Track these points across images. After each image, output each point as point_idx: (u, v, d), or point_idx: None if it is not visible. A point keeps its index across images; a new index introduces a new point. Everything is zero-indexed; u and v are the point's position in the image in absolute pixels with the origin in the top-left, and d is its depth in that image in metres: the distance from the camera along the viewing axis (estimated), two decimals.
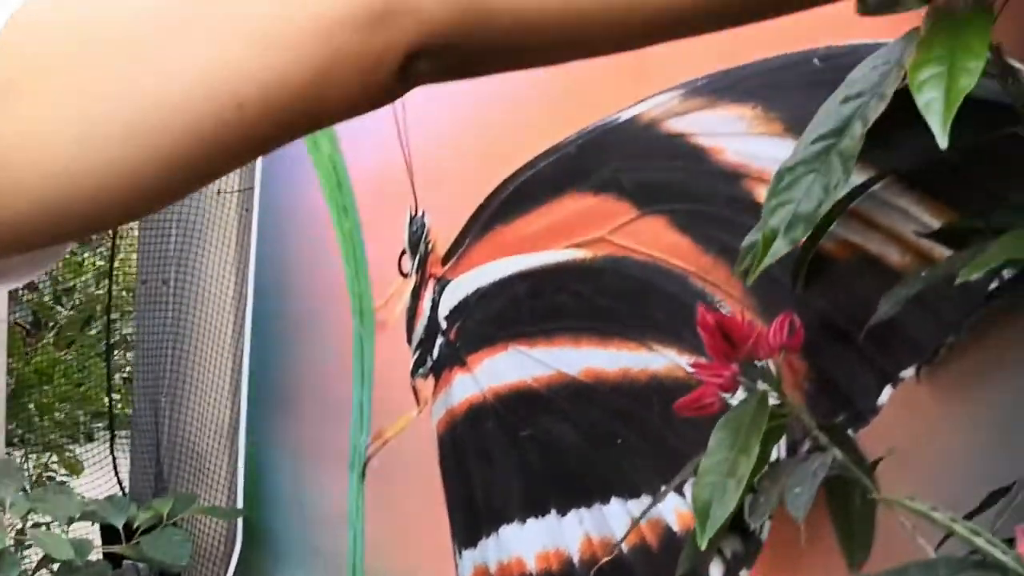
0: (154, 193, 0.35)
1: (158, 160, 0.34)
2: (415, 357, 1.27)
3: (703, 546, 0.56)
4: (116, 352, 2.98)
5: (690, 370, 0.75)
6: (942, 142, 0.42)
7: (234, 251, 1.93)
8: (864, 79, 0.54)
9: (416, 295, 1.25)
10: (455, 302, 1.17)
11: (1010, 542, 0.55)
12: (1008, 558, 0.41)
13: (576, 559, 1.01)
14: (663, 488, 0.78)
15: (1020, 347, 0.65)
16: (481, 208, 1.12)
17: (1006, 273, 0.64)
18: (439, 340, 1.21)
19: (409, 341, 1.28)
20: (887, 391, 0.73)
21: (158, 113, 0.33)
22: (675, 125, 0.88)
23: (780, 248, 0.54)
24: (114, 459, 2.35)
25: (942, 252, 0.68)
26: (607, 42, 0.42)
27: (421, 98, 1.22)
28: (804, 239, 0.57)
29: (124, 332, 3.03)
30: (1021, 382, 0.65)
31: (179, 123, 0.33)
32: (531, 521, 1.07)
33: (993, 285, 0.65)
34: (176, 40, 0.33)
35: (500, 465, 1.11)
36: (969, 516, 0.64)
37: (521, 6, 0.38)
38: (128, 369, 2.93)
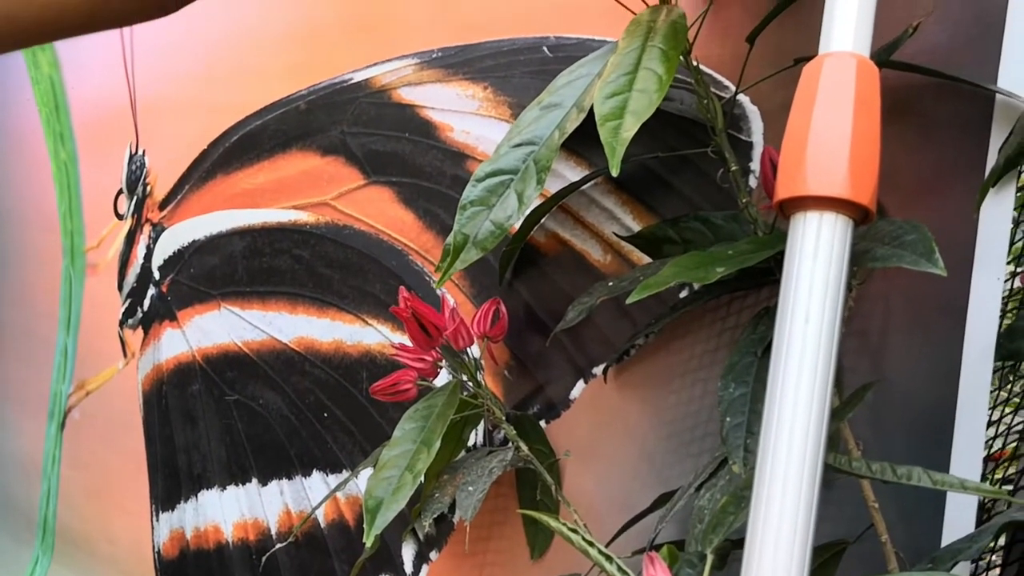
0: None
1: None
2: (125, 306, 1.17)
3: (368, 544, 0.54)
4: None
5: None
6: (614, 171, 0.42)
7: None
8: (568, 87, 0.53)
9: (131, 240, 1.16)
10: (170, 252, 1.09)
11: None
12: None
13: (274, 531, 0.98)
14: (361, 466, 0.75)
15: (700, 356, 0.68)
16: (204, 154, 1.04)
17: (696, 284, 0.66)
18: (151, 291, 1.13)
19: (120, 288, 1.18)
20: (579, 385, 0.74)
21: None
22: (407, 95, 0.85)
23: (471, 255, 0.52)
24: None
25: (640, 256, 0.69)
26: None
27: (151, 32, 1.12)
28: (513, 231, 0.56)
29: None
30: (697, 390, 0.67)
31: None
32: (231, 488, 1.02)
33: (683, 293, 0.67)
34: None
35: (204, 429, 1.05)
36: (638, 517, 0.66)
37: None
38: None
